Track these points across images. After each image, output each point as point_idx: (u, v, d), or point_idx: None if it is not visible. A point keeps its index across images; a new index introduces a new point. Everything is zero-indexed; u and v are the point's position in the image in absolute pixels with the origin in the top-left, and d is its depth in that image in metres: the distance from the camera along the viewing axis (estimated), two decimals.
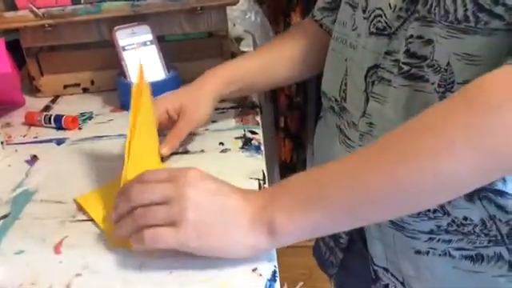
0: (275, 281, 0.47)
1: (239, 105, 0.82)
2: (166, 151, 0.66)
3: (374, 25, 0.55)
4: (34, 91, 0.91)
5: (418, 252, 0.55)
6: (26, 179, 0.67)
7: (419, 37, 0.49)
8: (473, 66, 0.46)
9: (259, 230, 0.46)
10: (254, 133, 0.74)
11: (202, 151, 0.70)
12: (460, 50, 0.46)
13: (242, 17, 1.13)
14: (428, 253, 0.55)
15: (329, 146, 0.65)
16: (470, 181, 0.42)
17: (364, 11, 0.57)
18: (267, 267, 0.48)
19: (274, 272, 0.48)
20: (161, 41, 0.86)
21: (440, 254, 0.54)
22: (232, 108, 0.81)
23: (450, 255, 0.54)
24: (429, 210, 0.53)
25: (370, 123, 0.56)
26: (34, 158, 0.72)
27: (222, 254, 0.47)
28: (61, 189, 0.63)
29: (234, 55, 0.93)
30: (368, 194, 0.43)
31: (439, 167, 0.41)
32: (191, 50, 0.91)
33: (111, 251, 0.52)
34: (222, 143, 0.71)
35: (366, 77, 0.56)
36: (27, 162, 0.71)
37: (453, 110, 0.42)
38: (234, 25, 1.10)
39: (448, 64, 0.47)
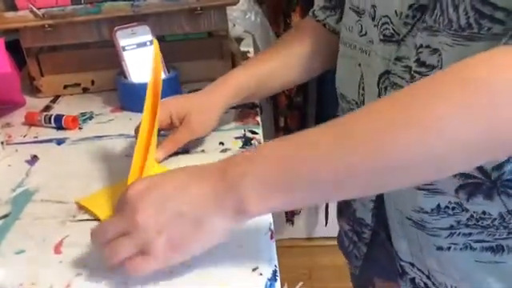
0: (276, 280, 0.47)
1: (239, 105, 0.82)
2: (160, 156, 0.66)
3: (382, 32, 0.55)
4: (35, 91, 0.92)
5: (440, 248, 0.56)
6: (27, 179, 0.67)
7: (427, 46, 0.50)
8: None
9: (228, 213, 0.43)
10: (254, 133, 0.74)
11: (203, 151, 0.70)
12: (466, 56, 0.46)
13: (242, 17, 1.13)
14: (449, 248, 0.56)
15: None
16: (455, 157, 0.40)
17: (373, 19, 0.57)
18: (267, 267, 0.48)
19: (275, 272, 0.48)
20: (161, 41, 0.85)
21: (461, 248, 0.55)
22: (232, 108, 0.81)
23: (471, 248, 0.55)
24: (447, 207, 0.54)
25: None
26: (35, 157, 0.72)
27: (202, 248, 0.45)
28: (61, 189, 0.64)
29: (233, 56, 0.93)
30: (350, 169, 0.41)
31: (427, 141, 0.39)
32: (191, 50, 0.91)
33: None
34: (222, 143, 0.71)
35: (378, 83, 0.57)
36: (27, 161, 0.71)
37: (438, 84, 0.40)
38: (234, 25, 1.10)
39: None
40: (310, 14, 0.75)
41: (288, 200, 0.43)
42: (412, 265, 0.61)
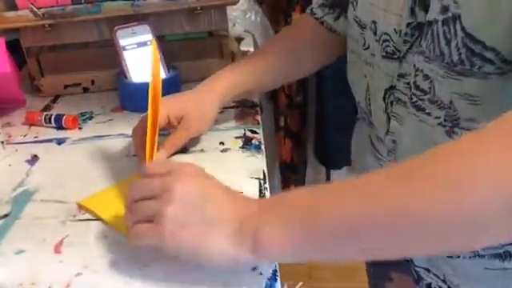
0: (276, 280, 0.47)
1: (239, 104, 0.82)
2: (161, 157, 0.66)
3: (384, 49, 0.56)
4: (35, 91, 0.92)
5: (450, 256, 0.57)
6: (27, 179, 0.67)
7: (421, 70, 0.51)
8: (474, 105, 0.47)
9: (242, 241, 0.42)
10: (254, 132, 0.74)
11: (202, 150, 0.70)
12: (459, 90, 0.47)
13: (242, 16, 1.13)
14: (459, 256, 0.57)
15: (363, 153, 0.66)
16: (488, 222, 0.35)
17: (374, 33, 0.57)
18: (267, 266, 0.48)
19: (275, 271, 0.48)
20: (161, 40, 0.86)
21: (470, 257, 0.56)
22: (232, 107, 0.81)
23: (480, 256, 0.55)
24: None
25: (394, 140, 0.58)
26: (35, 157, 0.72)
27: (198, 259, 0.44)
28: (61, 188, 0.64)
29: (234, 55, 0.93)
30: (374, 229, 0.37)
31: (461, 204, 0.35)
32: (191, 50, 0.91)
33: (112, 251, 0.52)
34: (222, 143, 0.71)
35: (384, 98, 0.57)
36: (28, 161, 0.71)
37: (480, 145, 0.36)
38: (234, 24, 1.10)
39: (451, 102, 0.48)
40: (308, 11, 0.75)
41: (304, 246, 0.41)
42: (427, 270, 0.62)
